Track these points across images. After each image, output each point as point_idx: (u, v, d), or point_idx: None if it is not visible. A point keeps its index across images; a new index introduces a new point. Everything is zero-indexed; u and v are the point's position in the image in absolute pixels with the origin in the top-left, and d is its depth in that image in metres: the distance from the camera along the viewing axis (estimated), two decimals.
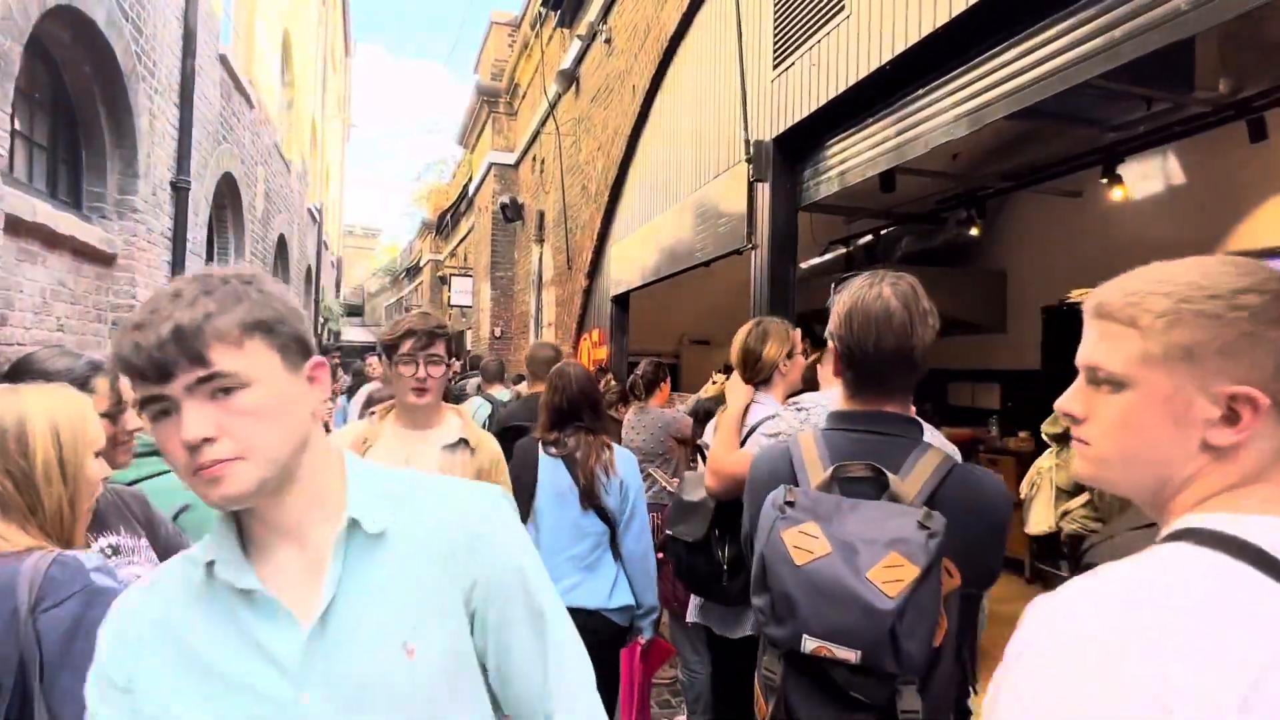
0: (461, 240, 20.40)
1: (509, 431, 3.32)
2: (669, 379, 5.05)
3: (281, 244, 11.48)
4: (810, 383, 2.56)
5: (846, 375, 1.43)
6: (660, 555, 2.71)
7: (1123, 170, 5.53)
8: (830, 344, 1.44)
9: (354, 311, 37.69)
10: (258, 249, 9.41)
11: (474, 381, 6.82)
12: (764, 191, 4.10)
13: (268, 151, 9.74)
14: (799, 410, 2.08)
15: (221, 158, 7.36)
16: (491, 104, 12.73)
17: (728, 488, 2.18)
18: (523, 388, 4.89)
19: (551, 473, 2.53)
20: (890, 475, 1.29)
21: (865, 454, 1.34)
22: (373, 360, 6.50)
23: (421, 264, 28.00)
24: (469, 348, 16.85)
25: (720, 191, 4.69)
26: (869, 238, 7.76)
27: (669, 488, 4.16)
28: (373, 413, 2.27)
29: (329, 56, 16.88)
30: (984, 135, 4.04)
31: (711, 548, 2.29)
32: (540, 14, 9.81)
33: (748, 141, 4.10)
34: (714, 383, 4.81)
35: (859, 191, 4.24)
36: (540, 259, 10.61)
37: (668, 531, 2.45)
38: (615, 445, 2.62)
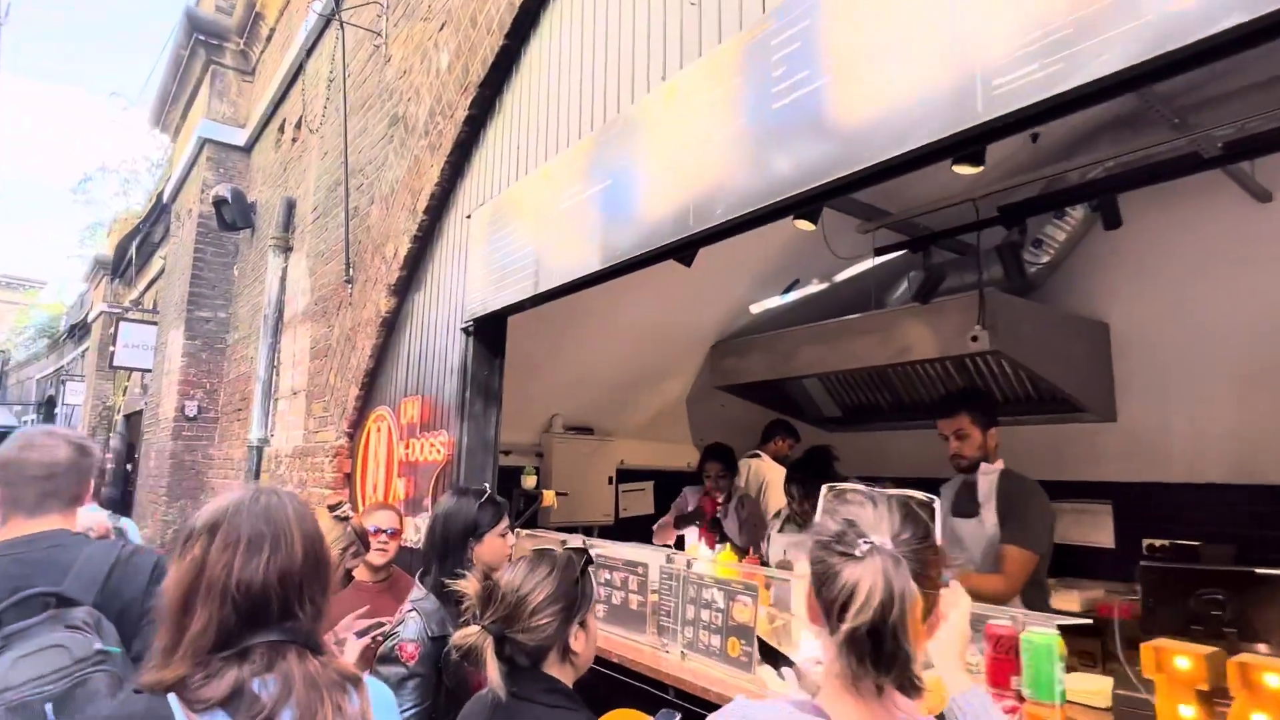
0: (152, 282, 14.36)
1: None
2: None
3: None
4: None
5: None
6: None
7: None
8: None
9: None
10: None
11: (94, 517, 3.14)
12: None
13: None
14: None
15: None
16: (213, 48, 8.08)
17: None
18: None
19: None
20: None
21: None
22: None
23: (90, 319, 20.32)
24: (145, 435, 10.96)
25: None
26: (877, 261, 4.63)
27: None
28: None
29: None
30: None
31: None
32: None
33: None
34: None
35: None
36: (283, 278, 6.08)
37: None
38: (364, 677, 1.12)
